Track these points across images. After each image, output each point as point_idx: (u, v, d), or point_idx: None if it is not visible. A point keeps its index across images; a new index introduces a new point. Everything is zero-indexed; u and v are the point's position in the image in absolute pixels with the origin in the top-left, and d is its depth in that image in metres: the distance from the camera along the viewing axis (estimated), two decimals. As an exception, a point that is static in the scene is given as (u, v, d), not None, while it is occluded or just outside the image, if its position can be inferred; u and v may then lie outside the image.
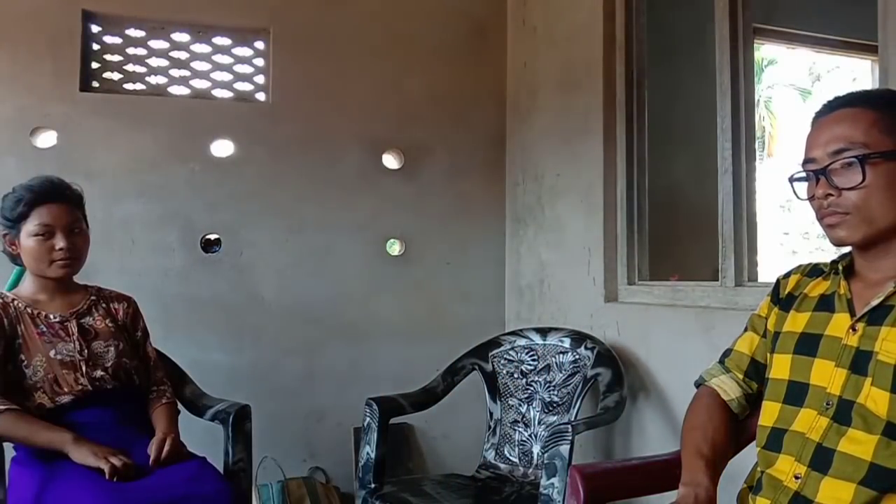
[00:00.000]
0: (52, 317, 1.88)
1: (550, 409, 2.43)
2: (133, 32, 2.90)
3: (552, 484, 1.83)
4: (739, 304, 2.00)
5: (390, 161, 3.13)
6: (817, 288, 1.25)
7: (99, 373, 1.86)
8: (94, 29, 2.85)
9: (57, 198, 1.87)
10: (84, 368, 1.84)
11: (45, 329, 1.86)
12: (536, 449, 2.41)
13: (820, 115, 1.19)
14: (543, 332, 2.57)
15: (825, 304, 1.21)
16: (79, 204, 1.94)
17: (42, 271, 1.87)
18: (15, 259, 1.92)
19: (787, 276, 1.32)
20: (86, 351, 1.87)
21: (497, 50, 3.27)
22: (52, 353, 1.83)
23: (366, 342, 3.03)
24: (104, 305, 2.00)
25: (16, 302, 1.88)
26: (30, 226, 1.84)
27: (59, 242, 1.84)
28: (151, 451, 1.77)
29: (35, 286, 1.92)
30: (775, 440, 1.18)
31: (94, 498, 1.61)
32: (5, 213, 1.87)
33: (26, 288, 1.93)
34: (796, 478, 1.12)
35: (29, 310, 1.87)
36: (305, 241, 2.99)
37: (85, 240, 1.93)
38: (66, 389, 1.81)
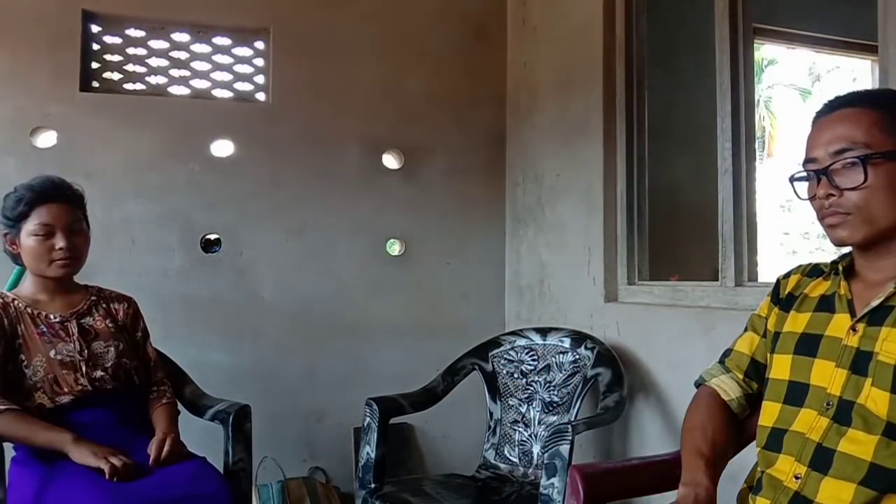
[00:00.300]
0: (52, 317, 1.88)
1: (550, 409, 2.43)
2: (133, 32, 2.90)
3: (552, 484, 1.83)
4: (739, 304, 2.00)
5: (390, 161, 3.13)
6: (818, 288, 1.25)
7: (99, 373, 1.86)
8: (94, 29, 2.85)
9: (57, 197, 1.87)
10: (84, 369, 1.84)
11: (45, 329, 1.86)
12: (536, 449, 2.41)
13: (821, 115, 1.19)
14: (543, 332, 2.57)
15: (825, 304, 1.20)
16: (79, 204, 1.94)
17: (42, 271, 1.87)
18: (15, 259, 1.92)
19: (787, 276, 1.32)
20: (86, 351, 1.87)
21: (497, 50, 3.27)
22: (52, 354, 1.83)
23: (366, 342, 3.03)
24: (104, 306, 2.00)
25: (16, 302, 1.88)
26: (30, 225, 1.84)
27: (59, 242, 1.84)
28: (151, 451, 1.77)
29: (35, 286, 1.92)
30: (775, 440, 1.18)
31: (94, 498, 1.61)
32: (6, 212, 1.87)
33: (26, 288, 1.93)
34: (796, 478, 1.12)
35: (29, 310, 1.87)
36: (305, 241, 2.99)
37: (85, 240, 1.93)
38: (65, 390, 1.81)
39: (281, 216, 2.97)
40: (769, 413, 1.22)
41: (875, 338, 1.09)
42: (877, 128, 1.10)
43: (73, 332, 1.88)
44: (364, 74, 3.07)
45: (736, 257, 2.07)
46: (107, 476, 1.64)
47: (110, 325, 1.96)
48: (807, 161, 1.17)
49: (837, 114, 1.15)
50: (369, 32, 3.09)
